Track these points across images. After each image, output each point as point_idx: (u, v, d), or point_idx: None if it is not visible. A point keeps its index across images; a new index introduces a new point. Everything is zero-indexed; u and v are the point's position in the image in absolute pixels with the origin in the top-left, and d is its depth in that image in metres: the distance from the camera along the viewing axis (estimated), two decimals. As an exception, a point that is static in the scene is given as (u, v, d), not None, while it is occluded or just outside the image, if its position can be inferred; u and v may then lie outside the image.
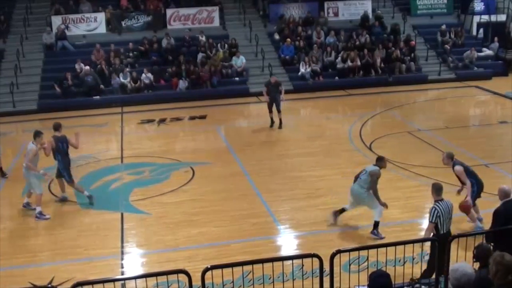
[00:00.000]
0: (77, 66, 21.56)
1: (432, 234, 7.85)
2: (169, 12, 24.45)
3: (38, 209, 11.25)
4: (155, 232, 10.55)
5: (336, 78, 22.69)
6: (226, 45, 23.27)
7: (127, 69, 21.75)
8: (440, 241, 7.32)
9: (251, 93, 21.66)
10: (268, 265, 6.65)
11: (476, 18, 26.20)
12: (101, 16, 23.92)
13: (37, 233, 10.73)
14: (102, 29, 23.91)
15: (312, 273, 7.28)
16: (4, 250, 9.86)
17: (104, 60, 22.03)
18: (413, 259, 8.39)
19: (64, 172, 11.88)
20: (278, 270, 7.97)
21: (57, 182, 12.22)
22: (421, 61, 23.89)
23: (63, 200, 12.03)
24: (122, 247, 10.04)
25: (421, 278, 7.59)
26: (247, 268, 7.18)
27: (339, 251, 6.75)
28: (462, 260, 6.92)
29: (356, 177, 10.18)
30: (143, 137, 17.50)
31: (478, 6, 26.22)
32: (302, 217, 10.92)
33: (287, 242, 10.26)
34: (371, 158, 14.20)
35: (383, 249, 7.40)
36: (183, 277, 6.33)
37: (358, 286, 7.42)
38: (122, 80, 21.26)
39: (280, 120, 17.21)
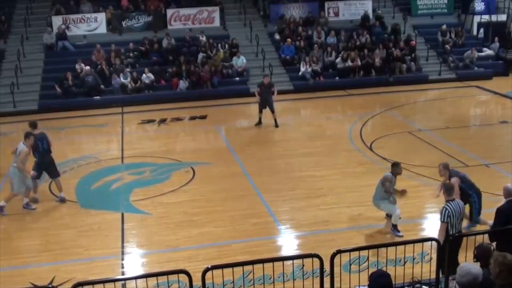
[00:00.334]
0: (77, 66, 21.57)
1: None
2: (169, 12, 24.46)
3: (2, 203, 11.35)
4: (156, 232, 10.56)
5: (337, 78, 22.69)
6: (226, 45, 23.27)
7: (128, 69, 21.76)
8: (451, 241, 7.30)
9: (252, 93, 21.56)
10: (268, 265, 6.65)
11: (477, 18, 26.19)
12: (101, 16, 23.93)
13: (38, 233, 10.72)
14: (102, 29, 23.92)
15: (313, 273, 7.29)
16: (4, 250, 9.86)
17: (105, 60, 22.04)
18: (414, 259, 8.40)
19: (35, 169, 11.91)
20: (279, 270, 7.97)
21: (54, 183, 12.26)
22: (422, 61, 23.89)
23: (62, 200, 12.03)
24: (123, 247, 10.04)
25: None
26: (248, 268, 7.18)
27: (339, 251, 6.76)
28: (462, 261, 6.94)
29: None
30: (143, 137, 17.50)
31: (479, 6, 26.21)
32: (303, 217, 10.92)
33: (288, 242, 10.26)
34: (372, 158, 14.24)
35: (384, 249, 7.42)
36: (183, 277, 6.34)
37: (359, 286, 7.42)
38: (122, 80, 21.27)
39: (275, 120, 17.32)
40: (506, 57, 24.58)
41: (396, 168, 10.11)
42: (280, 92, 21.64)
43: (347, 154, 14.76)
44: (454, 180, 9.80)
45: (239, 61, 22.54)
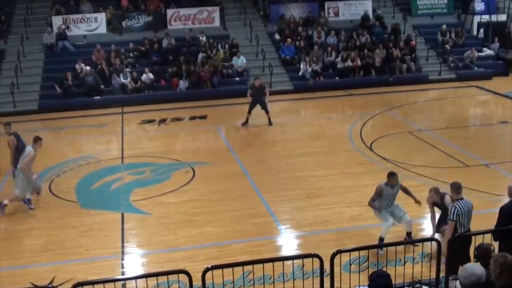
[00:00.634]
0: (77, 66, 21.57)
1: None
2: (169, 12, 24.46)
3: (6, 202, 11.35)
4: (156, 232, 10.56)
5: (337, 78, 22.69)
6: (226, 45, 23.27)
7: (128, 69, 21.76)
8: (460, 241, 7.29)
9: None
10: (268, 265, 6.65)
11: (477, 18, 26.20)
12: (101, 16, 23.93)
13: (38, 233, 10.72)
14: (102, 29, 23.92)
15: (313, 273, 7.28)
16: (4, 250, 9.86)
17: (105, 60, 22.04)
18: (414, 259, 8.41)
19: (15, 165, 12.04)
20: (279, 270, 7.97)
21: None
22: (422, 61, 23.89)
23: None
24: (123, 247, 10.05)
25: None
26: (248, 268, 7.18)
27: (339, 251, 6.76)
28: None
29: None
30: (143, 137, 17.51)
31: (479, 6, 26.22)
32: (303, 217, 10.92)
33: (288, 242, 10.26)
34: (372, 158, 14.24)
35: (384, 249, 7.42)
36: (183, 277, 6.33)
37: (359, 286, 7.42)
38: (122, 80, 21.27)
39: (269, 119, 17.45)
40: (506, 57, 24.58)
41: (391, 178, 9.46)
42: (280, 92, 21.77)
43: (347, 154, 14.76)
44: (449, 197, 9.64)
45: (239, 61, 22.54)
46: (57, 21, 23.41)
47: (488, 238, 6.95)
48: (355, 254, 8.09)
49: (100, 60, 22.03)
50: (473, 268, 5.18)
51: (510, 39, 25.49)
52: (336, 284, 6.88)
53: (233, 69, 22.39)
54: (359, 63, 22.74)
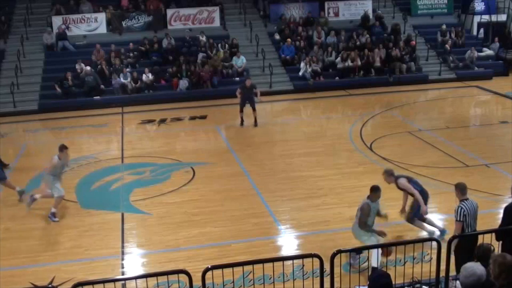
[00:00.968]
0: (77, 66, 21.58)
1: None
2: (169, 12, 24.46)
3: (53, 210, 11.30)
4: (156, 232, 10.56)
5: (337, 78, 22.69)
6: (226, 45, 23.28)
7: (128, 69, 21.77)
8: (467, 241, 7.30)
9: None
10: (268, 265, 6.65)
11: (477, 18, 26.21)
12: (101, 16, 23.93)
13: (38, 234, 10.71)
14: (102, 29, 23.92)
15: (313, 273, 7.29)
16: (4, 250, 9.86)
17: (105, 60, 22.05)
18: (414, 259, 8.41)
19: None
20: (279, 270, 7.98)
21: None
22: (422, 61, 23.89)
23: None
24: (123, 247, 10.05)
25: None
26: (248, 268, 7.19)
27: (339, 251, 6.76)
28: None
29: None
30: (143, 137, 17.51)
31: (479, 6, 26.22)
32: (303, 217, 10.92)
33: (288, 242, 10.26)
34: (372, 158, 14.24)
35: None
36: (183, 277, 6.34)
37: (359, 286, 7.43)
38: (122, 80, 21.27)
39: (255, 118, 17.46)
40: (506, 57, 24.59)
41: (377, 192, 8.94)
42: (280, 92, 21.80)
43: (347, 154, 14.76)
44: (402, 181, 9.77)
45: (239, 61, 22.54)
46: (57, 21, 23.42)
47: (488, 238, 6.95)
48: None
49: (100, 60, 22.03)
50: (474, 267, 5.19)
51: (510, 39, 25.50)
52: (336, 284, 6.89)
53: (233, 69, 22.40)
54: (359, 63, 22.75)
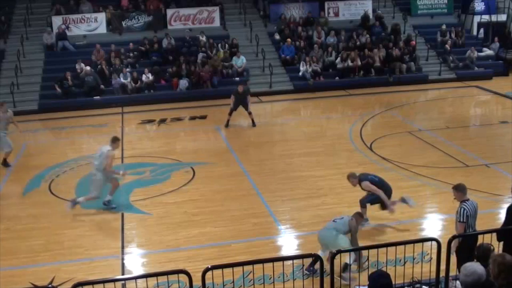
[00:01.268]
0: (77, 66, 21.58)
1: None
2: (169, 12, 24.46)
3: (81, 199, 11.42)
4: (156, 232, 10.56)
5: (337, 78, 22.69)
6: (226, 45, 23.28)
7: (128, 69, 21.77)
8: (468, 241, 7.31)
9: (252, 93, 21.64)
10: (268, 265, 6.65)
11: (477, 18, 26.21)
12: (101, 16, 23.93)
13: (38, 233, 10.71)
14: (102, 29, 23.92)
15: (313, 273, 7.29)
16: (4, 250, 9.86)
17: (105, 60, 22.05)
18: (414, 259, 8.41)
19: None
20: (279, 270, 7.98)
21: None
22: (422, 61, 23.89)
23: None
24: (123, 247, 10.04)
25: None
26: (248, 268, 7.19)
27: (339, 251, 6.77)
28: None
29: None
30: (143, 137, 17.51)
31: (479, 6, 26.23)
32: (303, 217, 10.92)
33: (288, 242, 10.26)
34: (372, 158, 14.24)
35: (384, 249, 7.42)
36: (183, 277, 6.34)
37: (359, 286, 7.43)
38: (122, 80, 21.27)
39: (252, 120, 17.48)
40: (506, 57, 24.59)
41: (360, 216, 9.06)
42: (280, 92, 21.82)
43: (347, 154, 14.76)
44: (366, 184, 10.05)
45: (239, 61, 22.54)
46: (57, 21, 23.42)
47: (487, 238, 6.95)
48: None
49: (100, 60, 22.03)
50: (474, 267, 5.19)
51: (510, 39, 25.50)
52: (336, 284, 6.88)
53: (233, 69, 22.40)
54: (359, 63, 22.75)
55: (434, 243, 7.06)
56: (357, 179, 10.20)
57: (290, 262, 8.00)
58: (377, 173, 12.41)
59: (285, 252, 9.84)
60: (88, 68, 21.25)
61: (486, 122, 18.04)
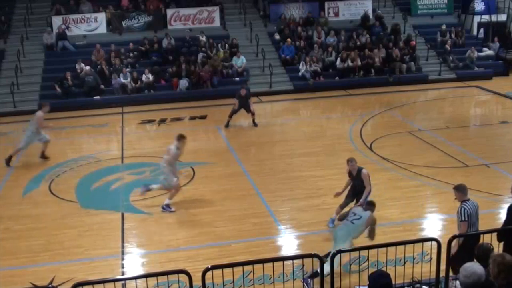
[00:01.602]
0: (77, 66, 21.58)
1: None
2: (169, 12, 24.46)
3: (168, 201, 11.51)
4: (156, 232, 10.56)
5: (337, 78, 22.69)
6: (226, 45, 23.28)
7: (128, 69, 21.76)
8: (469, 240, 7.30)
9: (252, 93, 21.64)
10: (268, 265, 6.65)
11: (477, 18, 26.21)
12: (101, 16, 23.93)
13: (38, 233, 10.71)
14: (102, 29, 23.92)
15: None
16: (4, 250, 9.86)
17: (105, 60, 22.04)
18: (413, 259, 8.40)
19: None
20: (279, 270, 7.98)
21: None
22: (422, 61, 23.89)
23: None
24: (123, 247, 10.05)
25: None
26: (248, 268, 7.19)
27: (339, 251, 6.77)
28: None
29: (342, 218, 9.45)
30: (143, 137, 17.51)
31: (479, 6, 26.23)
32: (303, 217, 10.92)
33: (288, 242, 10.26)
34: (372, 158, 14.23)
35: (384, 249, 7.41)
36: (183, 277, 6.34)
37: (359, 286, 7.43)
38: (122, 80, 21.27)
39: (253, 120, 17.51)
40: (506, 57, 24.59)
41: (372, 206, 9.06)
42: (280, 92, 21.83)
43: (347, 154, 14.65)
44: (366, 172, 10.20)
45: (239, 61, 22.54)
46: (57, 21, 23.42)
47: (487, 238, 6.95)
48: (355, 254, 8.10)
49: (100, 60, 22.03)
50: (474, 267, 5.19)
51: (510, 39, 25.50)
52: (336, 284, 6.88)
53: (233, 69, 22.40)
54: (359, 63, 22.75)
55: (434, 243, 7.07)
56: (356, 165, 10.23)
57: (290, 262, 8.00)
58: (377, 173, 12.48)
59: (285, 252, 9.84)
60: (88, 68, 21.25)
61: (486, 122, 18.04)
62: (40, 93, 21.13)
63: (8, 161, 14.57)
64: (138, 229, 10.83)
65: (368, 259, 7.83)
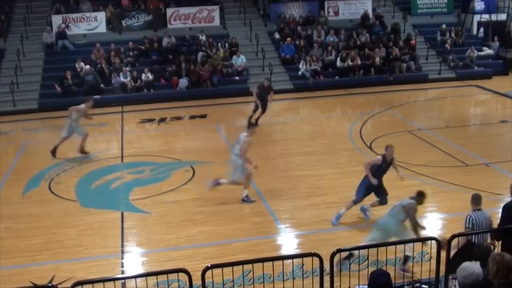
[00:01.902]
0: (77, 65, 21.57)
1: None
2: (169, 11, 24.46)
3: (245, 192, 11.59)
4: (155, 231, 10.55)
5: (337, 77, 22.69)
6: (226, 44, 23.27)
7: (128, 68, 21.75)
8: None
9: (251, 93, 21.66)
10: (268, 264, 6.65)
11: (477, 17, 26.20)
12: (101, 15, 23.92)
13: (38, 232, 10.71)
14: (102, 28, 23.91)
15: (312, 272, 7.28)
16: (4, 250, 9.86)
17: (104, 59, 22.04)
18: (413, 258, 8.40)
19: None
20: (279, 269, 7.97)
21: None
22: (422, 60, 23.89)
23: None
24: (123, 246, 10.04)
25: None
26: (247, 267, 7.18)
27: (339, 250, 6.77)
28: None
29: None
30: (143, 136, 17.51)
31: (479, 5, 26.21)
32: (303, 216, 10.92)
33: (288, 241, 10.26)
34: (372, 157, 14.21)
35: (383, 248, 7.42)
36: (183, 276, 6.34)
37: (358, 285, 7.43)
38: (122, 79, 21.26)
39: (259, 118, 17.43)
40: (506, 57, 24.58)
41: (420, 197, 8.92)
42: (280, 91, 21.75)
43: (347, 153, 14.75)
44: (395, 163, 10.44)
45: (239, 60, 22.54)
46: (56, 20, 23.40)
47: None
48: (355, 253, 8.09)
49: (100, 59, 22.02)
50: (472, 267, 5.21)
51: (510, 38, 25.49)
52: (336, 283, 6.88)
53: (233, 68, 22.39)
54: (358, 62, 22.74)
55: (434, 242, 7.07)
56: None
57: (290, 261, 7.98)
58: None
59: (285, 251, 9.83)
60: (88, 67, 21.25)
61: (486, 121, 18.04)
62: (40, 92, 21.14)
63: (53, 152, 14.70)
64: (138, 228, 10.83)
65: (367, 258, 7.83)
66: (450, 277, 6.87)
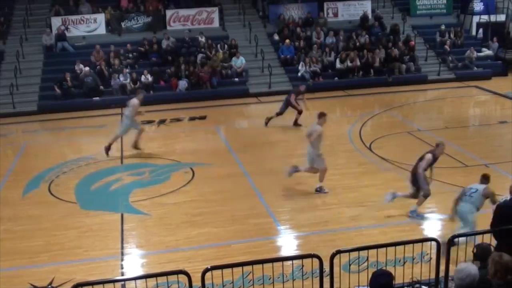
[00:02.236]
0: (76, 67, 21.58)
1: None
2: (168, 13, 24.46)
3: (319, 184, 11.79)
4: (155, 233, 10.55)
5: (336, 78, 22.70)
6: (225, 46, 23.29)
7: (127, 70, 21.76)
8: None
9: (251, 94, 21.69)
10: (268, 266, 6.65)
11: (476, 18, 26.23)
12: (100, 17, 23.93)
13: (37, 234, 10.70)
14: (101, 30, 23.92)
15: (312, 274, 7.28)
16: (4, 251, 9.86)
17: (104, 61, 22.04)
18: (413, 259, 8.40)
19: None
20: (278, 270, 7.97)
21: None
22: (421, 61, 23.90)
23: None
24: (122, 248, 10.04)
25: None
26: (247, 268, 7.19)
27: (339, 251, 6.76)
28: (462, 260, 6.93)
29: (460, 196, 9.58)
30: (143, 138, 17.45)
31: (478, 6, 26.25)
32: (302, 217, 10.92)
33: (287, 243, 10.26)
34: (371, 158, 14.24)
35: (383, 249, 7.41)
36: (183, 278, 6.34)
37: (358, 286, 7.43)
38: (122, 81, 21.26)
39: (270, 119, 17.48)
40: (505, 57, 24.60)
41: (487, 180, 9.54)
42: (280, 93, 21.73)
43: (346, 154, 14.76)
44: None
45: (238, 62, 22.54)
46: (56, 22, 23.41)
47: (487, 238, 6.96)
48: (354, 254, 8.07)
49: (99, 61, 22.03)
50: (468, 268, 5.24)
51: (509, 39, 25.52)
52: (336, 285, 6.88)
53: (232, 70, 22.40)
54: (358, 63, 22.75)
55: (433, 243, 7.07)
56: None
57: (289, 262, 7.99)
58: (377, 174, 12.47)
59: (284, 253, 9.84)
60: (87, 69, 21.25)
61: (485, 122, 18.05)
62: (39, 94, 21.13)
63: (107, 149, 14.80)
64: (138, 229, 10.82)
65: (367, 259, 7.83)
66: (449, 278, 6.88)
